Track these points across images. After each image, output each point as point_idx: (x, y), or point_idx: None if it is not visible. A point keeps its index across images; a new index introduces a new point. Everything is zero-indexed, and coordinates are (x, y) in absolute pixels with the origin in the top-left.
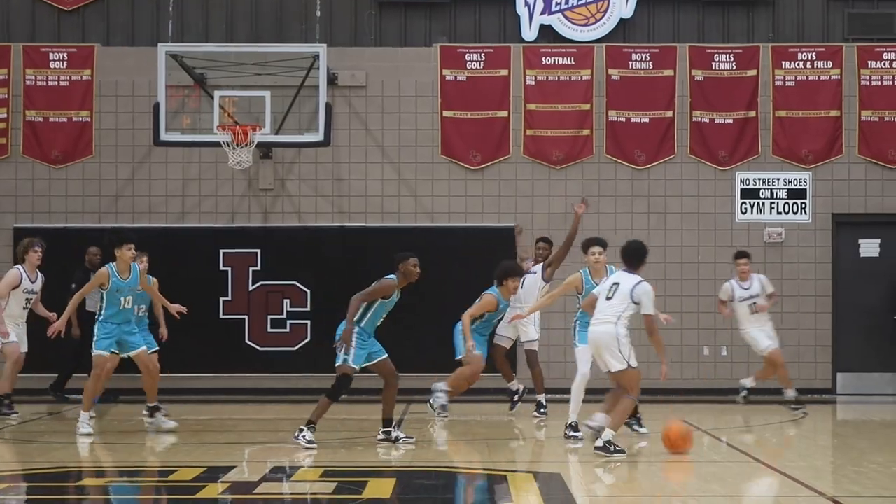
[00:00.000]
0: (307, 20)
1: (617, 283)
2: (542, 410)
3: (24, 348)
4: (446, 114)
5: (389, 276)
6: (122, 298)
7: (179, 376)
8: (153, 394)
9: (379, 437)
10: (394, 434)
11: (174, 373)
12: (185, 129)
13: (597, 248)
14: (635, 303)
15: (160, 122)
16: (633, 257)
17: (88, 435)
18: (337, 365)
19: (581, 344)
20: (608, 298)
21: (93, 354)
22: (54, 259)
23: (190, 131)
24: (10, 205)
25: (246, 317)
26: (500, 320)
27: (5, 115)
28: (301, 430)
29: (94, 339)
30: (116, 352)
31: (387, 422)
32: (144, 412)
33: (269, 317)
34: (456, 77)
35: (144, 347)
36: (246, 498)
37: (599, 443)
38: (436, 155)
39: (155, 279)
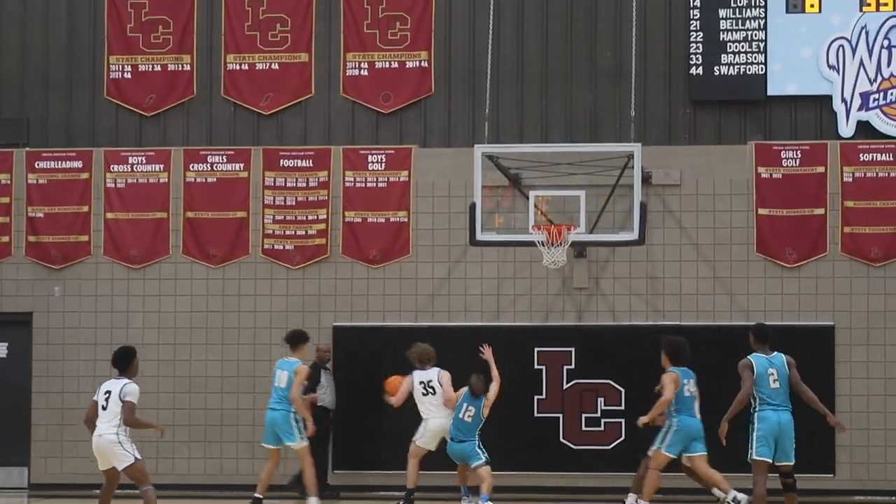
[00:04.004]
0: (621, 119)
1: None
2: None
3: None
4: (761, 211)
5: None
6: None
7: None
8: None
9: None
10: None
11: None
12: (500, 228)
13: None
14: None
15: (476, 221)
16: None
17: None
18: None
19: None
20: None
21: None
22: (373, 357)
23: (505, 231)
24: (329, 304)
25: (560, 415)
26: None
27: (325, 217)
28: None
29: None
30: None
31: None
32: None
33: (584, 415)
34: (771, 174)
35: None
36: None
37: None
38: (751, 253)
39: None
